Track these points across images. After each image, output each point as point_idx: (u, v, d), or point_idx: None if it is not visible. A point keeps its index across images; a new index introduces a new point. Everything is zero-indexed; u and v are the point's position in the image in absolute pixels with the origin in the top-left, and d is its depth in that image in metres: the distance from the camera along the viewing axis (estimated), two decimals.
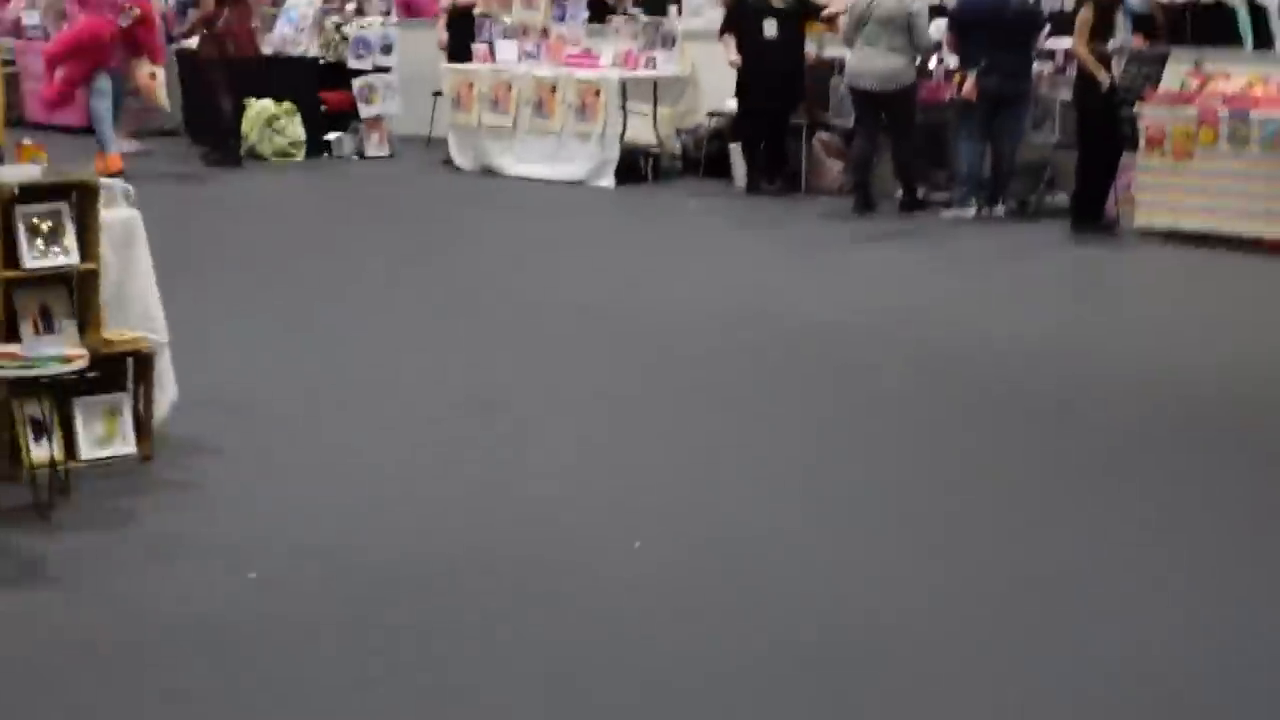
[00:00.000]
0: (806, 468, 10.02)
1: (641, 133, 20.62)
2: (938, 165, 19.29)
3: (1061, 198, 18.52)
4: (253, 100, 21.44)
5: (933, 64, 18.99)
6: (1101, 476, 9.84)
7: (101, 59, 19.17)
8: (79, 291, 9.65)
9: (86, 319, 9.65)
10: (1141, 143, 17.23)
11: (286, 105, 21.51)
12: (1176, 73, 17.80)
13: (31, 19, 24.99)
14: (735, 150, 19.97)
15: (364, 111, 21.79)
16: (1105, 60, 17.33)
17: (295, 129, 21.53)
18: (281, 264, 16.04)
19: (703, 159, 20.63)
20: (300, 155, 21.63)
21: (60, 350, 9.07)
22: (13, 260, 9.29)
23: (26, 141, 10.46)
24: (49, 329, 9.58)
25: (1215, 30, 19.62)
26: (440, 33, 22.10)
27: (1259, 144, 16.68)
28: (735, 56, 19.27)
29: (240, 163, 21.34)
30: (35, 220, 9.40)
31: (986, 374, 12.30)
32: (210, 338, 12.17)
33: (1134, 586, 7.86)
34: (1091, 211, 17.62)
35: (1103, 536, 8.65)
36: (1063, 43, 18.47)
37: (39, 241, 9.43)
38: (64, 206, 9.50)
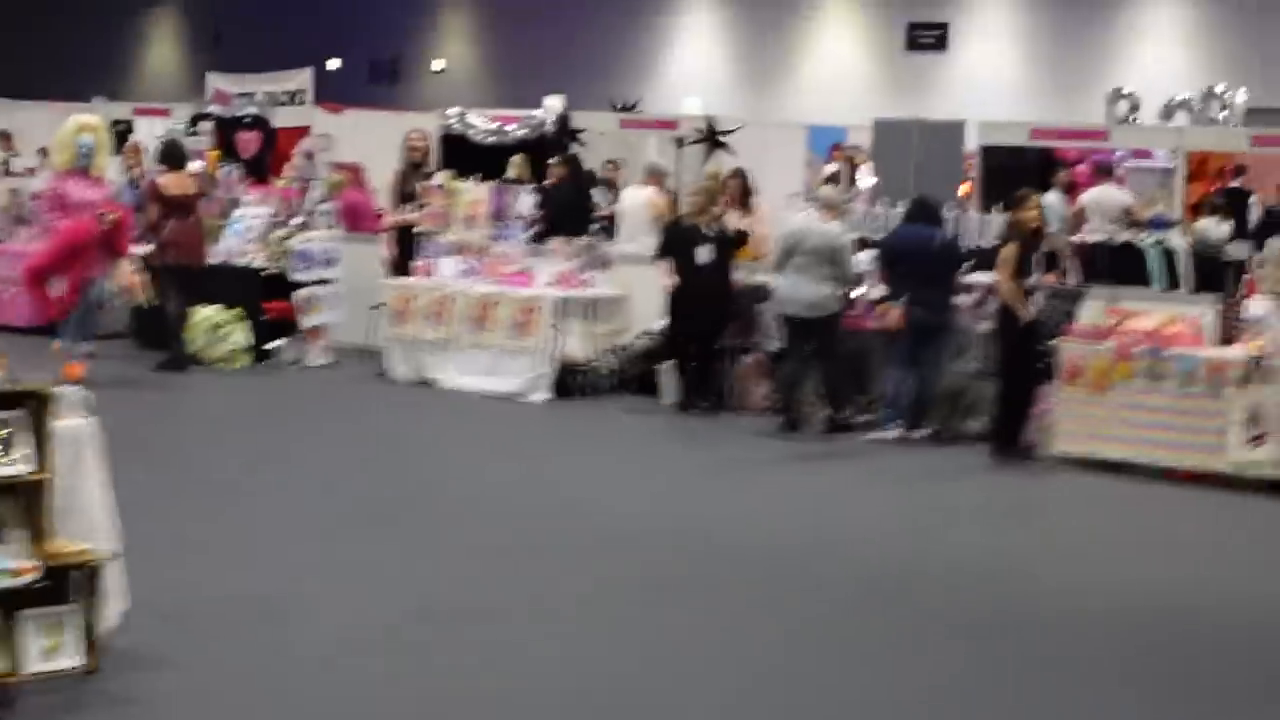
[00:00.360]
0: (741, 692, 9.56)
1: (576, 349, 20.00)
2: (861, 389, 18.74)
3: (979, 423, 17.97)
4: (199, 307, 20.60)
5: (857, 293, 18.43)
6: (1039, 697, 9.68)
7: (90, 261, 18.18)
8: (30, 501, 8.95)
9: (37, 529, 8.92)
10: (1061, 375, 16.74)
11: (232, 313, 20.77)
12: (1092, 309, 17.42)
13: None
14: (666, 368, 19.43)
15: (305, 321, 21.11)
16: (1026, 296, 16.83)
17: (239, 336, 20.80)
18: (225, 470, 15.26)
19: (635, 376, 20.15)
20: (244, 362, 20.88)
21: (9, 564, 8.45)
22: None
23: None
24: None
25: (1127, 270, 19.23)
26: (387, 247, 21.67)
27: (1174, 379, 16.25)
28: (671, 279, 18.75)
29: (185, 367, 20.65)
30: None
31: (921, 596, 11.91)
32: (156, 544, 11.32)
33: None
34: (1010, 438, 17.10)
35: None
36: (982, 277, 18.07)
37: None
38: (20, 415, 8.89)
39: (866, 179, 25.53)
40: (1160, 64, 36.80)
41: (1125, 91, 27.46)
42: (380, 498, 14.25)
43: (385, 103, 37.90)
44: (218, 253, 21.66)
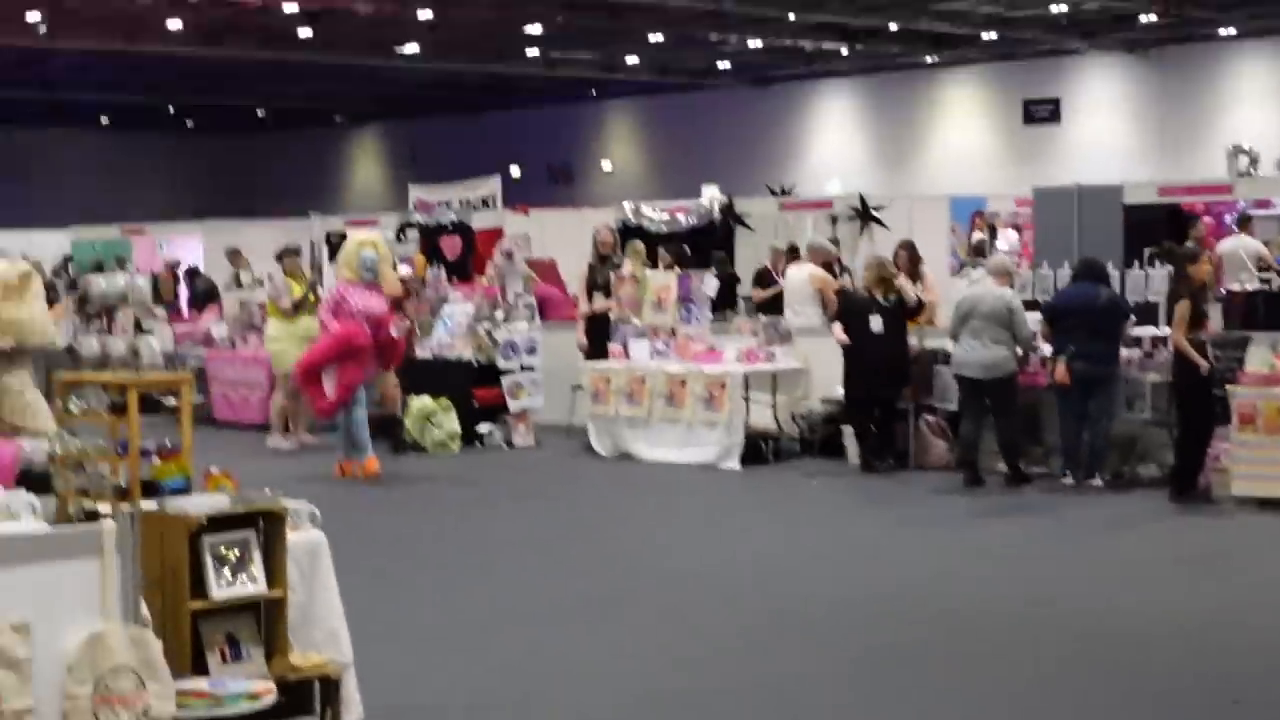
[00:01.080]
0: None
1: (762, 419, 18.66)
2: (1036, 442, 17.08)
3: (1152, 469, 16.44)
4: (413, 398, 19.38)
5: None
6: None
7: (361, 365, 17.08)
8: (266, 619, 7.87)
9: (273, 646, 7.85)
10: (1235, 420, 15.11)
11: (443, 401, 19.51)
12: (1257, 355, 15.77)
13: (220, 331, 23.20)
14: (848, 432, 17.93)
15: (512, 406, 19.79)
16: (1201, 348, 15.28)
17: (451, 423, 19.53)
18: (445, 556, 13.96)
19: (817, 441, 18.61)
20: (456, 447, 19.54)
21: (247, 686, 7.19)
22: (200, 591, 7.59)
23: (214, 470, 8.56)
24: (236, 657, 7.76)
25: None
26: (580, 336, 20.36)
27: None
28: (844, 337, 17.47)
29: (401, 452, 19.49)
30: (223, 549, 7.71)
31: (1150, 655, 10.42)
32: (383, 637, 10.13)
33: None
34: (1189, 482, 15.47)
35: None
36: (1148, 330, 16.75)
37: (226, 570, 7.72)
38: (251, 534, 7.82)
39: (1005, 242, 24.25)
40: (1257, 119, 35.02)
41: (1245, 147, 26.08)
42: (596, 578, 12.82)
43: (563, 202, 36.93)
44: (428, 346, 20.56)
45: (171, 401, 8.75)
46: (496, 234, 22.66)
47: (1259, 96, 37.01)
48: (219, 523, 7.68)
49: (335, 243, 26.33)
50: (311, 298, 19.86)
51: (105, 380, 8.86)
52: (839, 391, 18.08)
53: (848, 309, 17.69)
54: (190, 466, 8.73)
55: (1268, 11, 33.72)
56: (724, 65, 42.17)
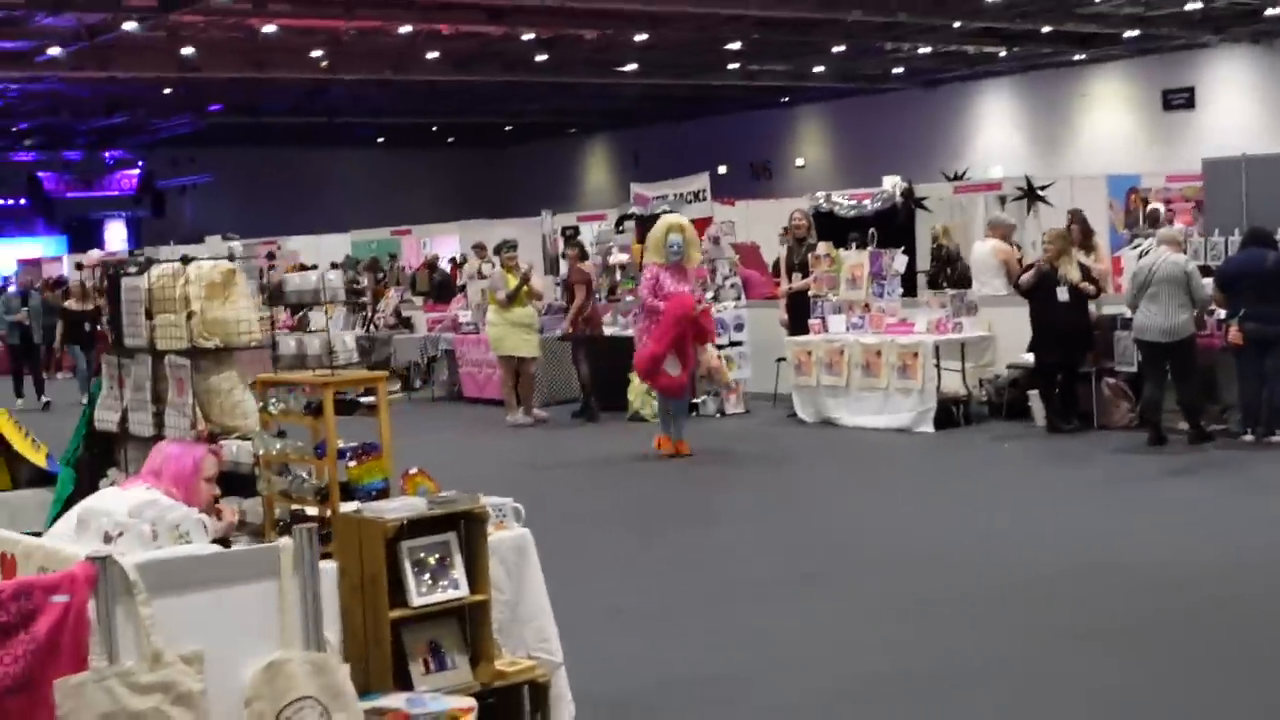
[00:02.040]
0: None
1: (952, 385, 16.45)
2: (1214, 401, 14.75)
3: None
4: (634, 375, 17.52)
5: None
6: None
7: (691, 337, 14.97)
8: (470, 623, 6.31)
9: (479, 651, 6.29)
10: None
11: None
12: None
13: (465, 316, 21.41)
14: (1034, 396, 15.67)
15: (725, 378, 17.64)
16: None
17: None
18: (661, 529, 12.05)
19: (1005, 404, 16.34)
20: None
21: (447, 706, 5.70)
22: (400, 598, 6.07)
23: (413, 470, 6.78)
24: (440, 666, 6.24)
25: None
26: (782, 313, 18.14)
27: None
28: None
29: (597, 419, 18.25)
30: (422, 555, 6.17)
31: None
32: (593, 619, 8.60)
33: None
34: None
35: None
36: None
37: (426, 576, 6.18)
38: (452, 537, 6.24)
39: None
40: None
41: None
42: (806, 552, 10.86)
43: (764, 195, 35.22)
44: None
45: (371, 400, 6.83)
46: (707, 223, 20.87)
47: None
48: (418, 526, 6.16)
49: (570, 235, 24.90)
50: (525, 289, 18.04)
51: (299, 380, 7.04)
52: (1024, 357, 15.89)
53: (1038, 282, 15.27)
54: (390, 467, 6.89)
55: None
56: (898, 70, 40.39)
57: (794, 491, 13.45)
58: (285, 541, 5.49)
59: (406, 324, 22.22)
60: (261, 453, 7.03)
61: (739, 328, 18.13)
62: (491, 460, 15.36)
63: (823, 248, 17.62)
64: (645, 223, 22.20)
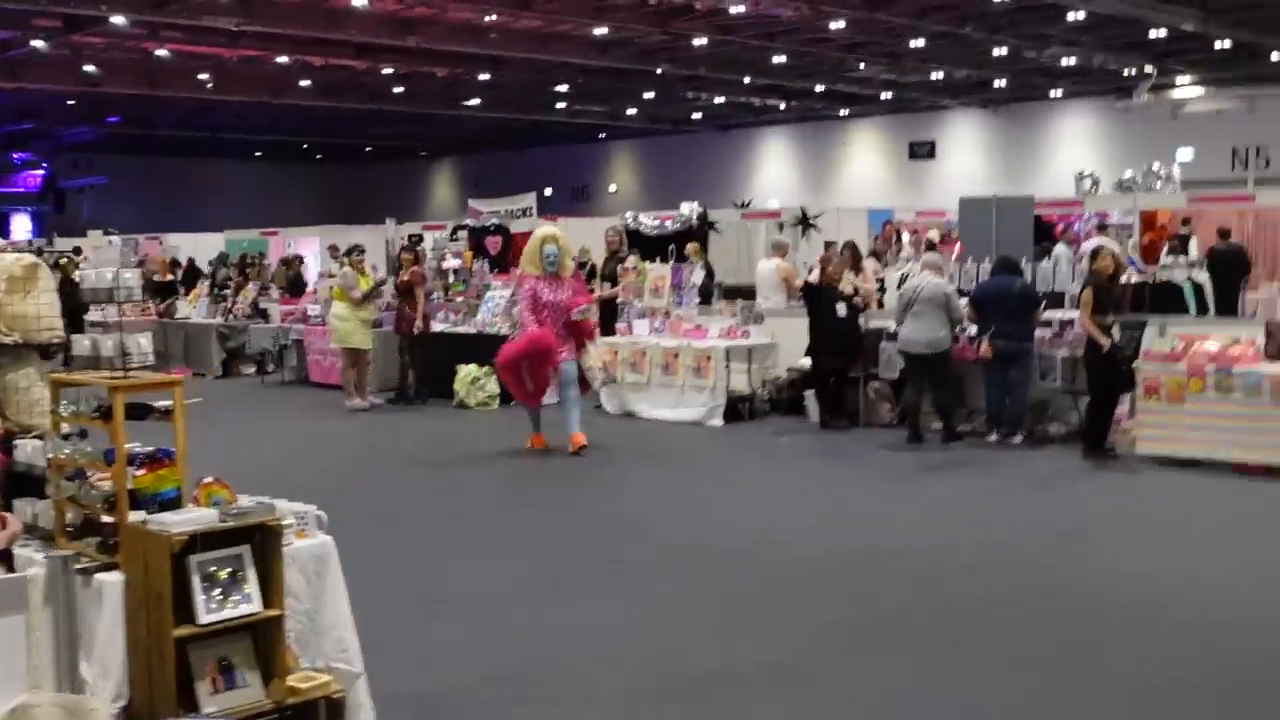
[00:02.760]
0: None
1: (740, 384, 15.09)
2: (963, 405, 13.65)
3: (1060, 428, 13.06)
4: (462, 366, 15.95)
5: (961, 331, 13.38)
6: None
7: (548, 362, 12.60)
8: (263, 639, 5.00)
9: (271, 667, 4.98)
10: (1141, 390, 11.79)
11: (485, 369, 15.88)
12: (1151, 334, 12.38)
13: (314, 310, 19.54)
14: (810, 396, 14.45)
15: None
16: (1105, 329, 11.99)
17: (492, 386, 15.94)
18: (465, 520, 10.45)
19: (784, 401, 15.07)
20: (495, 404, 15.99)
21: None
22: (187, 615, 4.77)
23: (208, 479, 5.17)
24: (230, 684, 4.93)
25: (1168, 302, 14.20)
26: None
27: (1241, 391, 11.23)
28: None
29: (416, 402, 16.49)
30: (213, 569, 4.88)
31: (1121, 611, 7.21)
32: (402, 606, 7.46)
33: None
34: (1099, 442, 12.14)
35: None
36: (1057, 314, 13.31)
37: (217, 591, 4.88)
38: (245, 550, 4.96)
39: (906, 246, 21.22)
40: (1077, 156, 32.07)
41: (1087, 173, 22.87)
42: (608, 539, 9.41)
43: (582, 214, 34.33)
44: (475, 324, 17.04)
45: (167, 404, 5.26)
46: (529, 235, 19.50)
47: (1077, 140, 34.54)
48: (210, 539, 4.89)
49: (412, 242, 23.15)
50: (377, 290, 16.37)
51: (90, 381, 5.44)
52: (802, 362, 14.71)
53: (817, 297, 14.02)
54: (183, 475, 5.33)
55: (1083, 82, 32.10)
56: (696, 115, 39.66)
57: (599, 479, 12.01)
58: (35, 572, 3.95)
59: (264, 315, 20.27)
60: (51, 455, 5.44)
61: None
62: (326, 443, 13.87)
63: (631, 261, 16.27)
64: (476, 233, 20.77)
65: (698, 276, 15.62)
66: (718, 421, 14.51)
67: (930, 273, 13.21)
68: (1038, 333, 13.00)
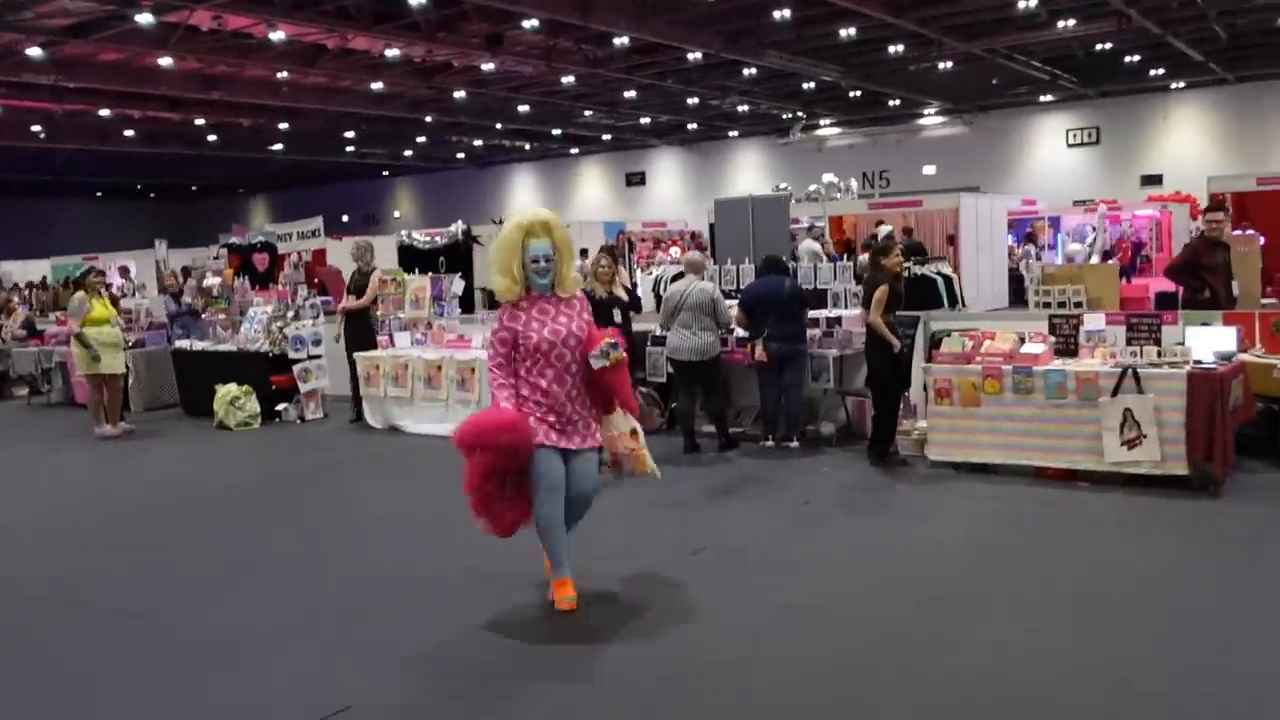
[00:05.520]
0: None
1: None
2: (736, 410, 9.05)
3: (829, 428, 8.57)
4: (220, 385, 10.47)
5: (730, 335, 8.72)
6: None
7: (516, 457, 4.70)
8: None
9: None
10: (932, 394, 7.33)
11: (245, 387, 10.60)
12: (929, 329, 8.09)
13: None
14: None
15: (303, 388, 10.85)
16: (893, 328, 7.54)
17: (252, 404, 10.58)
18: (211, 546, 5.19)
19: None
20: (256, 424, 10.56)
21: None
22: None
23: None
24: None
25: (925, 297, 9.92)
26: (338, 329, 10.80)
27: (1043, 392, 6.91)
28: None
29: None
30: None
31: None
32: None
33: None
34: (884, 448, 7.73)
35: None
36: (823, 313, 8.89)
37: None
38: None
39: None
40: (750, 180, 28.61)
41: (782, 185, 18.89)
42: (347, 583, 4.49)
43: (373, 234, 27.69)
44: (237, 341, 11.34)
45: None
46: (323, 254, 14.09)
47: (750, 169, 30.86)
48: None
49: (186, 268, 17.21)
50: (110, 313, 10.60)
51: None
52: None
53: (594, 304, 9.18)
54: None
55: (754, 124, 29.07)
56: (460, 155, 34.13)
57: (355, 501, 6.99)
58: None
59: (40, 336, 14.01)
60: None
61: (316, 343, 10.97)
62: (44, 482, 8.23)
63: (387, 274, 11.01)
64: (243, 250, 15.02)
65: (457, 287, 10.48)
66: None
67: (694, 276, 8.56)
68: (808, 333, 8.58)
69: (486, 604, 5.01)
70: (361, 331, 10.37)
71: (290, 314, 10.93)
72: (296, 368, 10.76)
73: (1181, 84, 23.82)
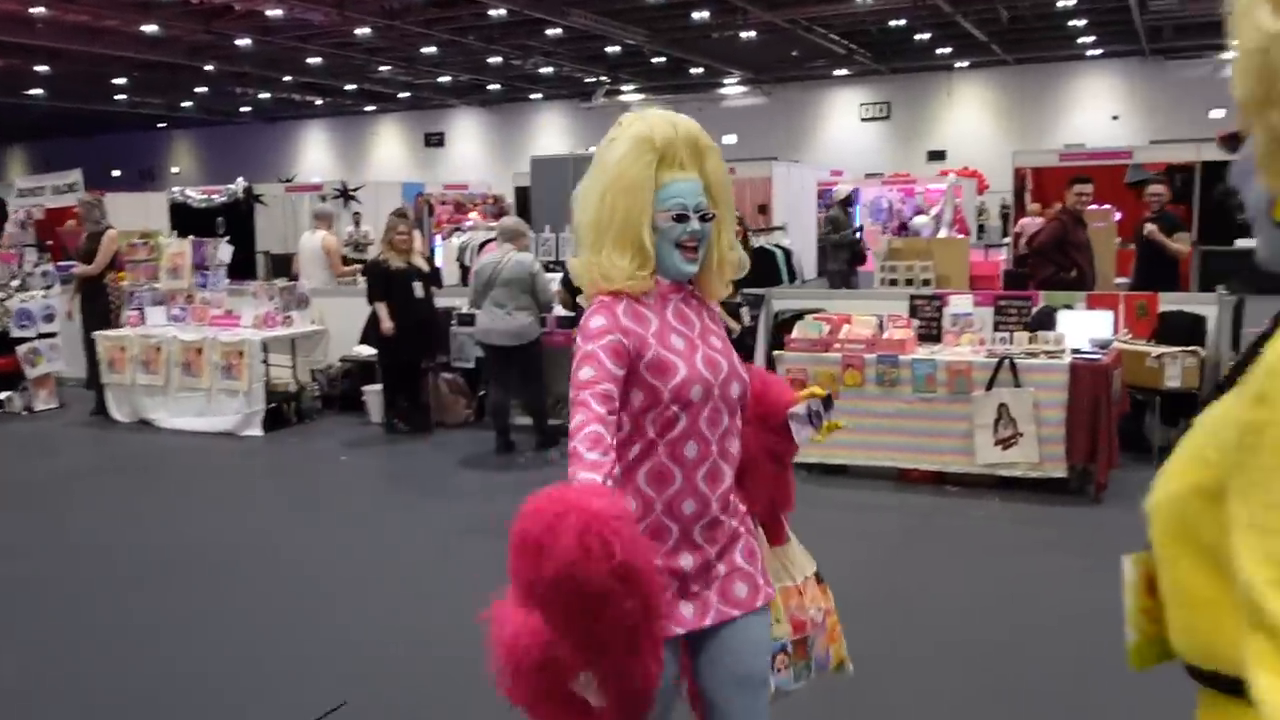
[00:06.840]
0: None
1: (284, 380, 8.19)
2: (556, 399, 7.43)
3: None
4: None
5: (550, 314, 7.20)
6: None
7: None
8: None
9: None
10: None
11: None
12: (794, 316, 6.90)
13: None
14: (372, 391, 7.87)
15: (30, 373, 8.56)
16: (736, 310, 6.45)
17: None
18: None
19: (339, 396, 8.36)
20: None
21: None
22: None
23: None
24: None
25: (764, 271, 8.77)
26: (68, 305, 8.64)
27: (911, 385, 5.86)
28: (390, 323, 7.25)
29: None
30: None
31: None
32: None
33: None
34: None
35: None
36: None
37: None
38: None
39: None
40: (551, 143, 26.79)
41: (594, 149, 17.42)
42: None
43: (150, 190, 24.64)
44: None
45: None
46: (67, 212, 11.48)
47: (552, 133, 29.10)
48: None
49: None
50: None
51: None
52: (358, 350, 8.12)
53: (386, 278, 7.32)
54: None
55: (557, 87, 27.36)
56: (246, 109, 30.70)
57: (95, 509, 5.13)
58: None
59: None
60: None
61: (49, 318, 8.68)
62: None
63: (144, 236, 8.84)
64: None
65: (225, 253, 8.44)
66: (256, 430, 7.62)
67: (512, 246, 7.03)
68: None
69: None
70: (99, 304, 8.19)
71: (15, 283, 8.56)
72: (22, 349, 8.44)
73: (966, 63, 24.12)
